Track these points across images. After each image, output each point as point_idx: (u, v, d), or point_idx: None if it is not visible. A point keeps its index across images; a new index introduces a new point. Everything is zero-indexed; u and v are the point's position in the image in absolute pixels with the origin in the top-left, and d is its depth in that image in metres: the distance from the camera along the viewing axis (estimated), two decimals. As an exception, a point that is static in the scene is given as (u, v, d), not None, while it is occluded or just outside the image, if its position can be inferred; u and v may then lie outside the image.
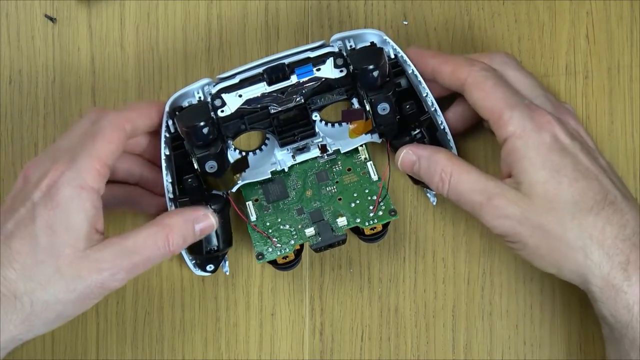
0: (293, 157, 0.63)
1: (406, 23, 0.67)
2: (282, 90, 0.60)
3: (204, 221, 0.57)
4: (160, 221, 0.55)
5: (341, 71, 0.60)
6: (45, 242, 0.51)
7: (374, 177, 0.63)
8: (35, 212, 0.52)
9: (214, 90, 0.60)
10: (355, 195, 0.63)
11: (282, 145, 0.62)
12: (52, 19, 0.67)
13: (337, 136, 0.63)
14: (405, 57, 0.62)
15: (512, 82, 0.59)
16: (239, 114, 0.60)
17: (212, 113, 0.59)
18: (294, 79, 0.60)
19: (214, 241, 0.61)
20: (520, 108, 0.55)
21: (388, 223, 0.62)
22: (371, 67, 0.58)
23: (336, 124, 0.64)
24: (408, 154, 0.59)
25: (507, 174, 0.56)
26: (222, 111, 0.60)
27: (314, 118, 0.62)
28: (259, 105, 0.60)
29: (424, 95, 0.62)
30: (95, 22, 0.68)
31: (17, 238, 0.52)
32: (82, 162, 0.53)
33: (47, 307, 0.52)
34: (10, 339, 0.52)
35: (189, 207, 0.57)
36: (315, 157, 0.63)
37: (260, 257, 0.61)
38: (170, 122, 0.61)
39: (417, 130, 0.62)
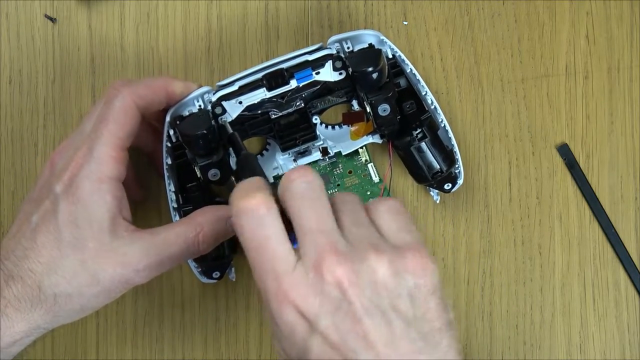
0: (294, 161, 0.63)
1: (406, 23, 0.67)
2: (282, 96, 0.60)
3: None
4: (192, 219, 0.55)
5: (340, 74, 0.60)
6: (69, 236, 0.52)
7: (375, 179, 0.63)
8: (59, 206, 0.52)
9: (214, 98, 0.60)
10: (356, 197, 0.63)
11: (284, 149, 0.62)
12: (52, 19, 0.67)
13: (338, 138, 0.63)
14: (404, 57, 0.62)
15: None
16: (239, 120, 0.60)
17: (213, 121, 0.59)
18: (293, 84, 0.60)
19: (220, 248, 0.61)
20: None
21: (389, 224, 0.62)
22: (370, 69, 0.58)
23: (337, 127, 0.64)
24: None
25: None
26: (223, 119, 0.60)
27: (314, 121, 0.62)
28: (259, 111, 0.60)
29: (424, 93, 0.62)
30: (95, 22, 0.67)
31: (42, 231, 0.52)
32: (99, 152, 0.53)
33: (71, 299, 0.52)
34: (35, 327, 0.52)
35: (223, 205, 0.56)
36: (317, 161, 0.63)
37: (260, 258, 0.61)
38: (172, 132, 0.60)
39: (419, 130, 0.62)
